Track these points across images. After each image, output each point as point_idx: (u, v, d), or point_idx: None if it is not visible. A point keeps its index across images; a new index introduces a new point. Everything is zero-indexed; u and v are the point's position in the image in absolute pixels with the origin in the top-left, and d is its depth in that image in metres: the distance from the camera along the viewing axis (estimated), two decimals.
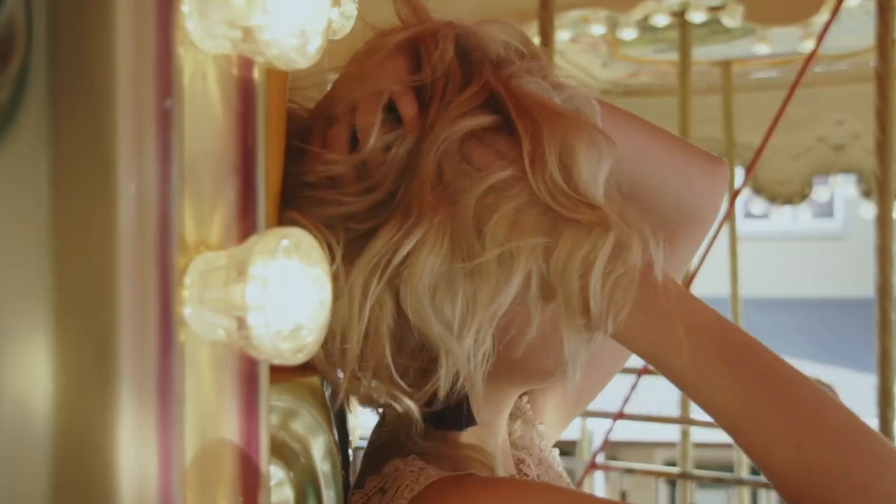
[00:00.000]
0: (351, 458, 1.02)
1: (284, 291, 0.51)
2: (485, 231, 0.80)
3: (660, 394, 5.35)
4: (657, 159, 1.03)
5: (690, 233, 1.10)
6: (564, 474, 1.12)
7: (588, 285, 0.80)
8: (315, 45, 0.54)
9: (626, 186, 0.91)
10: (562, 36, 4.71)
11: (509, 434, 1.07)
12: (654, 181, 1.03)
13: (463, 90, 0.83)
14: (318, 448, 0.83)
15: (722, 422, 0.86)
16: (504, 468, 0.98)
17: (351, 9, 0.91)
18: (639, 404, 3.86)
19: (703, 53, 5.29)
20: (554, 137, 0.81)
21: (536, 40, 3.55)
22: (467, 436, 0.92)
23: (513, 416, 1.08)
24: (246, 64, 0.58)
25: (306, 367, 0.79)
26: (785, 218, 6.76)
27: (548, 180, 0.81)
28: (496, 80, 0.84)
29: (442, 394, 0.83)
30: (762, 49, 4.93)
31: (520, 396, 1.10)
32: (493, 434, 0.97)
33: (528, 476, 1.06)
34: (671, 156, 1.05)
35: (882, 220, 3.29)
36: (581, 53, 5.44)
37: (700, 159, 1.08)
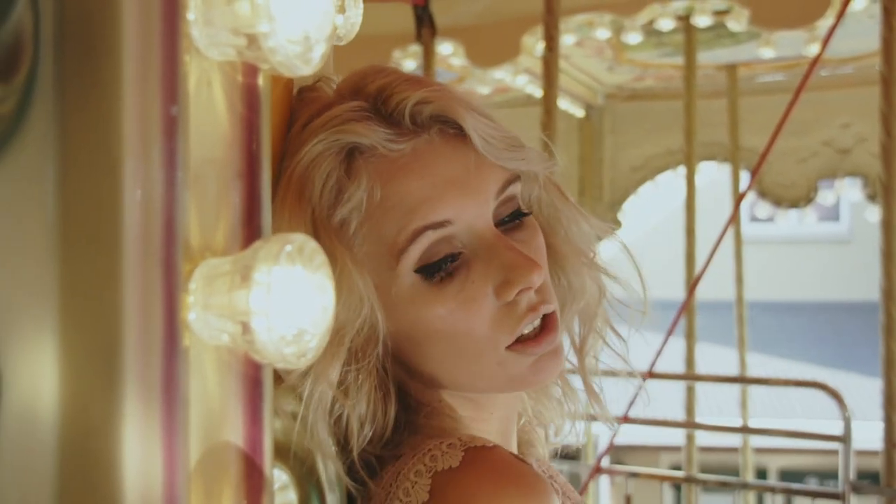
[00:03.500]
0: None
1: (287, 296, 0.52)
2: None
3: (665, 398, 5.35)
4: None
5: None
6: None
7: None
8: (319, 51, 0.54)
9: None
10: (567, 40, 4.73)
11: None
12: None
13: None
14: None
15: None
16: None
17: (355, 14, 0.91)
18: (644, 408, 3.85)
19: (709, 57, 5.30)
20: None
21: (541, 45, 3.55)
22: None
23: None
24: (251, 71, 0.59)
25: None
26: (791, 221, 6.75)
27: None
28: None
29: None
30: (767, 53, 4.94)
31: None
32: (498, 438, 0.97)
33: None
34: None
35: (887, 224, 3.28)
36: (586, 58, 5.46)
37: None
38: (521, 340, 0.89)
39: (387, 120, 0.87)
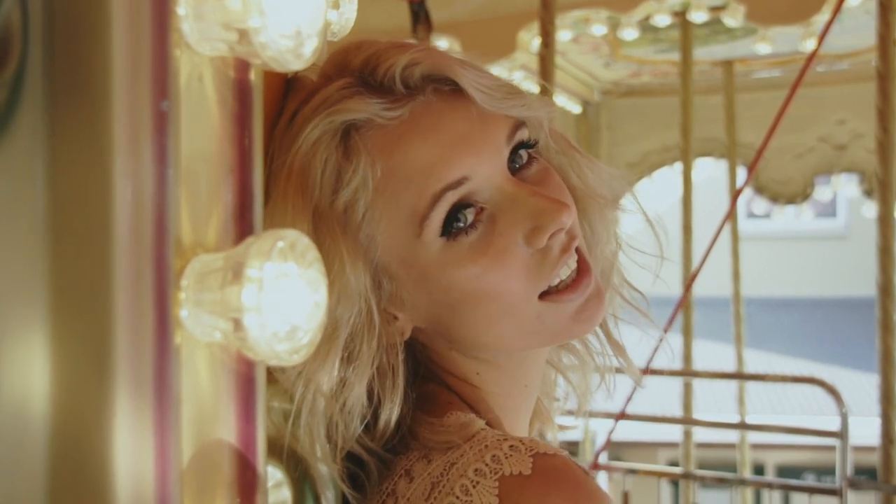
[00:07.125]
0: None
1: (280, 293, 0.51)
2: None
3: (663, 394, 5.35)
4: None
5: None
6: None
7: None
8: (311, 46, 0.54)
9: None
10: (563, 36, 4.72)
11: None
12: None
13: None
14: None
15: None
16: None
17: (350, 10, 0.90)
18: (641, 405, 3.86)
19: (705, 53, 5.30)
20: None
21: (537, 41, 3.55)
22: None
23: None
24: (242, 66, 0.58)
25: None
26: (788, 217, 6.75)
27: None
28: None
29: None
30: (764, 49, 4.93)
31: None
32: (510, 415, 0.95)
33: None
34: None
35: (883, 220, 3.29)
36: (582, 54, 5.45)
37: None
38: (558, 290, 0.87)
39: (378, 90, 0.85)
